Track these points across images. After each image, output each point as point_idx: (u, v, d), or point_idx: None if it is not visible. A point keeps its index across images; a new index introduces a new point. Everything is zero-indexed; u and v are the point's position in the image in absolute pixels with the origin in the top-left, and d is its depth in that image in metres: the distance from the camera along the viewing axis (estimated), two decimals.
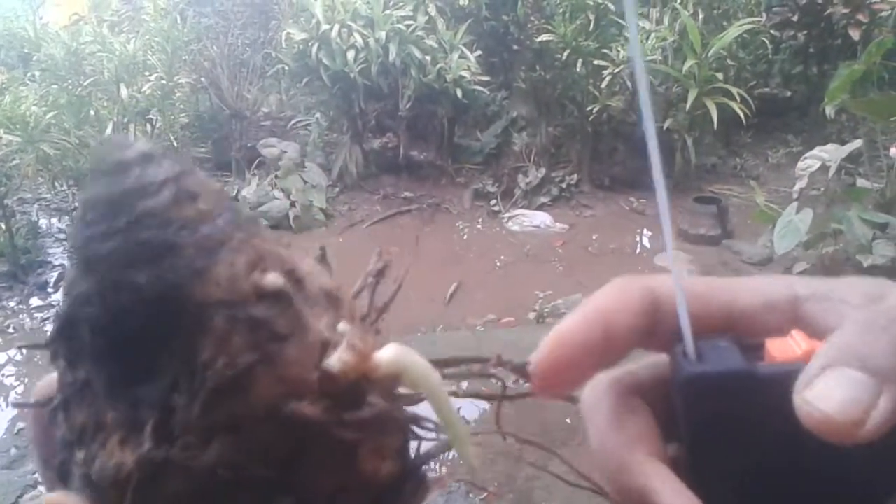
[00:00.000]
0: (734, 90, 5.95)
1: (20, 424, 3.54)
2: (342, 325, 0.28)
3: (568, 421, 3.28)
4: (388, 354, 0.28)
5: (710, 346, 0.32)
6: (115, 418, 0.27)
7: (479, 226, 6.28)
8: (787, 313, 0.33)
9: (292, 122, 7.47)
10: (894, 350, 0.29)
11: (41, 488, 2.95)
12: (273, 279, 0.27)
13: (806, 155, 4.95)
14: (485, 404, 3.46)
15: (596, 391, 0.35)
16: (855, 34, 5.80)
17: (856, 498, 0.31)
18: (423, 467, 0.31)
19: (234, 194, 6.33)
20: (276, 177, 6.43)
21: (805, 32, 6.72)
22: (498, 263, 5.53)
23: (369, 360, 0.28)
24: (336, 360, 0.27)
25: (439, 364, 0.31)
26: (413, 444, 0.31)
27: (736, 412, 0.31)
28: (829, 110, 4.76)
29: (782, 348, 0.31)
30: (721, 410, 0.31)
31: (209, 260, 0.27)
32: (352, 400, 0.27)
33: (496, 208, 6.44)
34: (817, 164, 4.81)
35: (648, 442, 0.33)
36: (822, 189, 5.10)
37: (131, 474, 0.26)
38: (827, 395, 0.29)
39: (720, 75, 6.08)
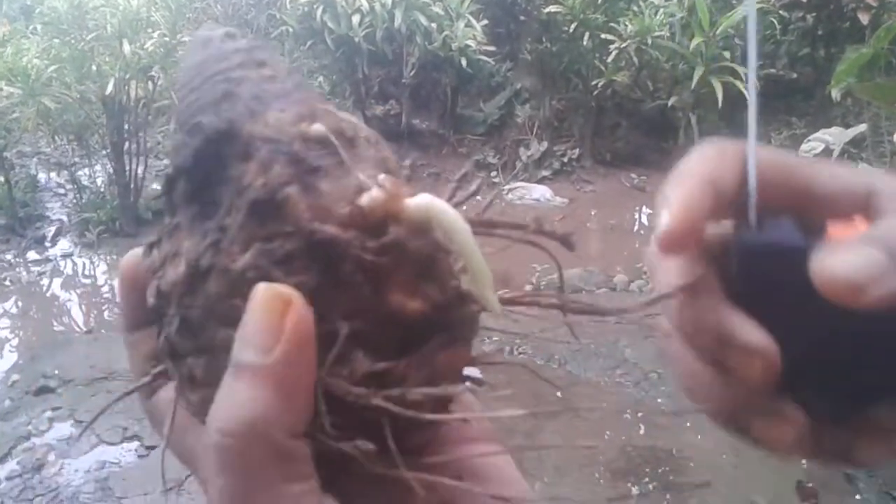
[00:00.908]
0: (740, 70, 5.92)
1: (14, 376, 3.56)
2: (383, 176, 0.31)
3: (559, 394, 3.30)
4: (417, 200, 0.30)
5: (773, 221, 0.34)
6: (188, 245, 0.31)
7: (478, 197, 6.26)
8: (861, 202, 0.35)
9: None
10: None
11: (34, 439, 2.97)
12: (318, 128, 0.31)
13: (809, 137, 4.93)
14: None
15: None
16: (864, 18, 5.76)
17: (886, 380, 0.34)
18: (461, 334, 0.33)
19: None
20: None
21: (814, 14, 6.67)
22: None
23: (399, 201, 0.30)
24: (367, 196, 0.30)
25: (474, 223, 0.32)
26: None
27: (785, 283, 0.33)
28: (835, 93, 4.73)
29: (843, 232, 0.34)
30: (772, 280, 0.33)
31: (263, 106, 0.32)
32: (377, 233, 0.30)
33: (497, 180, 6.43)
34: (820, 147, 4.79)
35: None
36: None
37: (181, 279, 0.31)
38: (842, 262, 0.31)
39: (727, 54, 6.04)
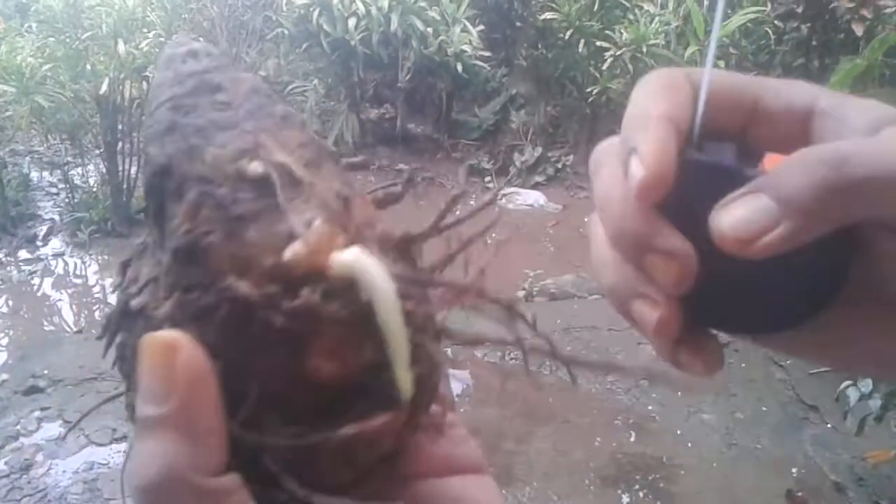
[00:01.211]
0: None
1: (3, 376, 3.54)
2: (317, 223, 0.29)
3: (550, 400, 3.30)
4: (344, 256, 0.28)
5: (715, 144, 0.36)
6: (145, 273, 0.31)
7: (472, 203, 6.24)
8: (802, 122, 0.36)
9: (289, 87, 7.41)
10: (811, 189, 0.31)
11: (22, 439, 2.95)
12: (255, 167, 0.30)
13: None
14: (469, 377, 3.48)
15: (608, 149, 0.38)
16: (858, 29, 5.78)
17: (784, 310, 0.36)
18: (393, 395, 0.30)
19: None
20: None
21: (808, 25, 6.69)
22: (489, 241, 5.52)
23: (323, 256, 0.28)
24: (290, 249, 0.28)
25: (408, 281, 0.31)
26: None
27: (710, 203, 0.34)
28: None
29: (777, 162, 0.34)
30: (699, 197, 0.34)
31: (205, 141, 0.30)
32: (297, 291, 0.28)
33: (490, 185, 6.43)
34: None
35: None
36: None
37: (113, 315, 0.31)
38: (733, 212, 0.33)
39: (721, 63, 6.06)
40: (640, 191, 0.34)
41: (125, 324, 0.31)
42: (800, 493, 2.85)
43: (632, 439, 3.20)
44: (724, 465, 3.05)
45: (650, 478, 2.97)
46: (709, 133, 0.36)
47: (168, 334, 0.27)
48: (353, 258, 0.28)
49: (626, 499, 2.86)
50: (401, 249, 0.33)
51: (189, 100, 0.32)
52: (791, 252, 0.32)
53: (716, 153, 0.36)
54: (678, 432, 3.24)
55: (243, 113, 0.32)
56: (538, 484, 2.80)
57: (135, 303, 0.30)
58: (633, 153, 0.34)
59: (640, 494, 2.89)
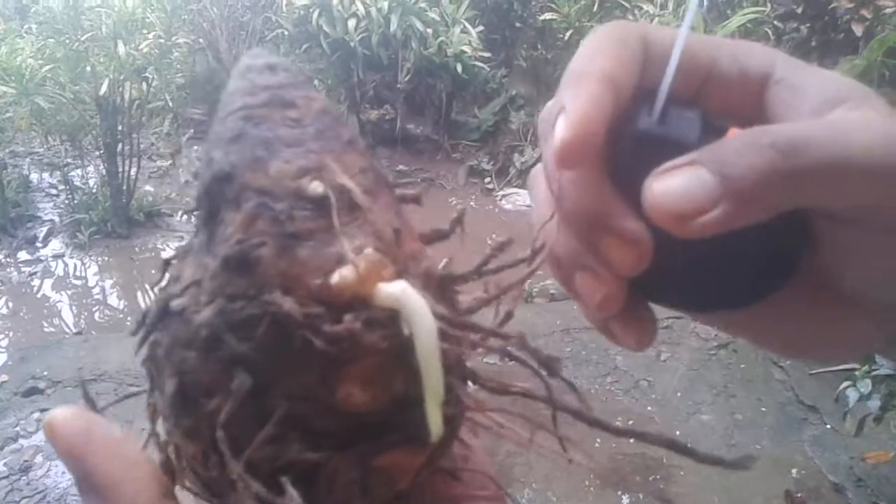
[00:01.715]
0: None
1: (3, 377, 3.54)
2: (368, 251, 0.29)
3: None
4: (389, 287, 0.29)
5: (680, 113, 0.33)
6: (188, 274, 0.31)
7: (472, 203, 6.28)
8: (757, 89, 0.35)
9: None
10: (756, 173, 0.30)
11: (22, 441, 2.95)
12: (315, 187, 0.30)
13: None
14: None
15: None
16: (858, 30, 5.78)
17: (729, 291, 0.35)
18: (416, 436, 0.30)
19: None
20: None
21: (808, 25, 6.69)
22: (489, 241, 5.52)
23: (371, 284, 0.29)
24: (338, 274, 0.28)
25: (451, 323, 0.30)
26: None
27: None
28: None
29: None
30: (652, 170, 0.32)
31: (270, 154, 0.31)
32: (341, 315, 0.28)
33: (490, 186, 6.43)
34: None
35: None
36: None
37: (151, 312, 0.31)
38: (667, 181, 0.31)
39: None
40: (560, 154, 0.32)
41: (162, 323, 0.31)
42: (799, 494, 2.85)
43: (631, 440, 3.19)
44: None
45: (650, 479, 2.97)
46: (674, 99, 0.33)
47: (51, 414, 0.30)
48: (400, 291, 0.28)
49: (625, 500, 2.86)
50: (441, 287, 0.33)
51: (261, 111, 0.32)
52: (740, 232, 0.31)
53: (678, 124, 0.33)
54: (677, 433, 3.24)
55: (311, 132, 0.32)
56: (538, 485, 2.80)
57: (175, 303, 0.30)
58: (561, 112, 0.32)
59: (640, 496, 2.89)
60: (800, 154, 0.29)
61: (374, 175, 0.33)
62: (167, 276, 0.33)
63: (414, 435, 0.30)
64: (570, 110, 0.32)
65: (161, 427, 0.32)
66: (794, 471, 3.00)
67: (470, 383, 0.35)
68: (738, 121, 0.34)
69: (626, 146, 0.33)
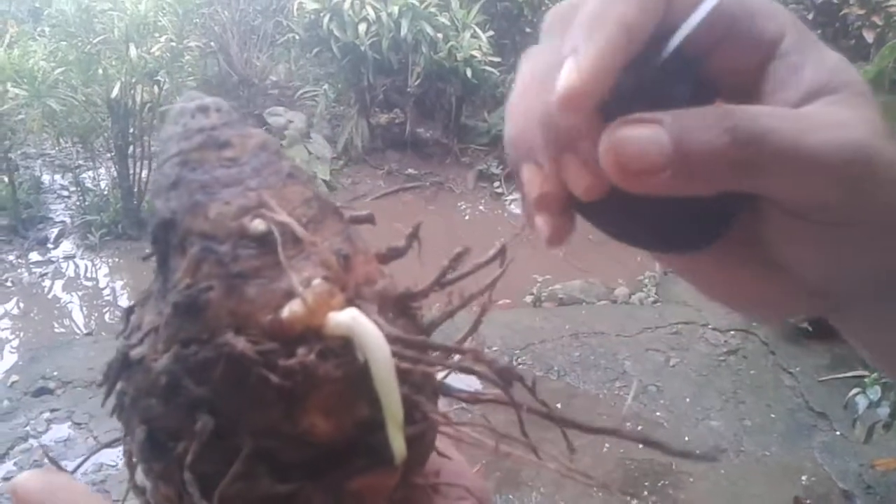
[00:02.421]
0: None
1: (14, 377, 3.55)
2: (316, 282, 0.29)
3: (558, 406, 3.30)
4: (340, 317, 0.29)
5: (678, 67, 0.33)
6: (147, 321, 0.32)
7: (481, 207, 6.28)
8: (764, 57, 0.34)
9: (300, 92, 7.44)
10: (709, 150, 0.30)
11: (32, 441, 2.97)
12: (256, 225, 0.30)
13: None
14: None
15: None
16: (869, 36, 5.77)
17: (669, 236, 0.36)
18: (383, 459, 0.30)
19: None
20: (282, 146, 6.40)
21: (819, 31, 6.67)
22: (498, 246, 5.52)
23: (320, 315, 0.29)
24: (288, 308, 0.29)
25: (404, 344, 0.30)
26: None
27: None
28: None
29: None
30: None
31: (209, 197, 0.31)
32: (294, 348, 0.29)
33: (499, 190, 6.43)
34: None
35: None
36: None
37: (114, 363, 0.32)
38: (630, 134, 0.31)
39: None
40: (563, 100, 0.31)
41: (125, 373, 0.32)
42: (808, 501, 2.84)
43: (640, 445, 3.18)
44: (732, 472, 3.04)
45: (658, 484, 2.96)
46: (682, 51, 0.33)
47: (12, 483, 0.31)
48: (349, 319, 0.29)
49: None
50: (400, 306, 0.34)
51: (196, 154, 0.32)
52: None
53: (673, 78, 0.33)
54: (686, 439, 3.23)
55: (249, 170, 0.32)
56: (546, 490, 2.80)
57: (135, 353, 0.31)
58: (573, 54, 0.31)
59: (649, 501, 2.89)
60: (755, 146, 0.30)
61: (318, 204, 0.33)
62: (129, 324, 0.34)
63: (382, 457, 0.30)
64: (582, 55, 0.31)
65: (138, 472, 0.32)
66: (803, 477, 2.99)
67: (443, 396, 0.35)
68: (740, 85, 0.34)
69: (618, 85, 0.32)
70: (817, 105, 0.32)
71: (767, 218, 0.34)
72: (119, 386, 0.32)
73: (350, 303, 0.30)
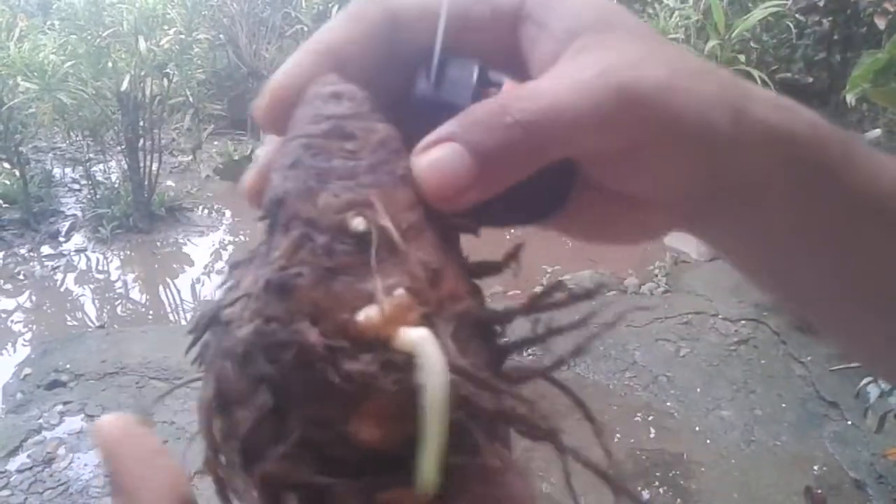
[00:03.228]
0: (755, 73, 5.89)
1: (26, 370, 3.58)
2: (399, 291, 0.30)
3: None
4: (410, 334, 0.29)
5: (455, 72, 0.35)
6: (245, 284, 0.33)
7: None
8: (509, 28, 0.35)
9: None
10: (506, 148, 0.31)
11: (45, 433, 2.99)
12: (357, 223, 0.31)
13: None
14: None
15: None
16: (881, 23, 5.72)
17: (520, 211, 0.39)
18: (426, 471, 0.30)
19: (248, 153, 6.32)
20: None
21: (830, 19, 6.63)
22: (507, 236, 5.52)
23: (391, 327, 0.29)
24: (364, 312, 0.29)
25: (471, 379, 0.30)
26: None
27: None
28: (850, 98, 4.69)
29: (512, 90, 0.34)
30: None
31: (321, 185, 0.32)
32: (360, 352, 0.29)
33: None
34: None
35: None
36: None
37: (205, 316, 0.33)
38: (433, 160, 0.32)
39: (742, 57, 6.01)
40: (258, 117, 0.34)
41: (213, 328, 0.33)
42: (819, 491, 2.84)
43: (651, 435, 3.20)
44: (743, 462, 3.04)
45: (669, 474, 2.97)
46: (455, 56, 0.35)
47: (104, 421, 0.31)
48: (418, 338, 0.29)
49: (645, 495, 2.86)
50: (480, 328, 0.33)
51: (319, 141, 0.33)
52: None
53: (453, 84, 0.35)
54: (697, 429, 3.23)
55: (365, 165, 0.33)
56: (556, 480, 2.81)
57: (225, 313, 0.32)
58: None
59: (660, 491, 2.89)
60: (538, 126, 0.31)
61: (423, 210, 0.33)
62: (230, 278, 0.34)
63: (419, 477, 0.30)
64: (272, 80, 0.34)
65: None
66: (814, 467, 2.99)
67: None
68: (511, 60, 0.35)
69: (408, 113, 0.34)
70: (564, 59, 0.33)
71: (597, 174, 0.36)
72: (205, 337, 0.33)
73: (426, 320, 0.30)
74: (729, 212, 0.37)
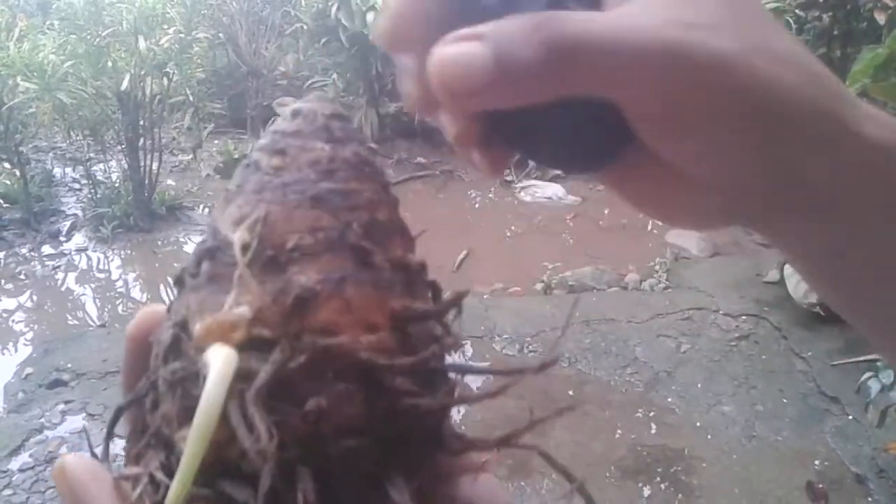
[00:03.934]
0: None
1: (28, 370, 3.58)
2: (241, 309, 0.30)
3: (570, 392, 3.30)
4: (213, 349, 0.29)
5: None
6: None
7: (491, 195, 6.28)
8: None
9: (309, 82, 7.44)
10: (528, 63, 0.30)
11: (47, 432, 2.99)
12: (239, 235, 0.31)
13: None
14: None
15: None
16: (881, 18, 5.72)
17: (569, 156, 0.37)
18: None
19: (249, 152, 6.32)
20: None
21: (830, 14, 6.62)
22: (508, 233, 5.53)
23: (209, 341, 0.29)
24: (200, 322, 0.30)
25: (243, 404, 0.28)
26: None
27: None
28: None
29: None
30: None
31: (234, 195, 0.33)
32: (173, 359, 0.32)
33: (509, 178, 6.42)
34: None
35: None
36: None
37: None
38: (452, 53, 0.31)
39: None
40: (385, 43, 0.34)
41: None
42: (820, 485, 2.84)
43: (652, 431, 3.20)
44: (744, 457, 3.04)
45: (670, 470, 2.97)
46: None
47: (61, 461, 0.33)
48: (212, 355, 0.28)
49: (646, 491, 2.86)
50: (356, 372, 0.30)
51: (256, 154, 0.34)
52: (569, 103, 0.31)
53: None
54: (698, 424, 3.24)
55: (279, 182, 0.32)
56: (557, 476, 2.80)
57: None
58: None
59: (661, 487, 2.89)
60: (568, 55, 0.30)
61: (330, 237, 0.31)
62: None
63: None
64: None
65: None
66: (815, 462, 2.99)
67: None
68: None
69: (474, 17, 0.32)
70: (634, 4, 0.32)
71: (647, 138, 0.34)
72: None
73: (260, 342, 0.29)
74: (805, 217, 0.35)
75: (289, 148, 0.34)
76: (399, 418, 0.30)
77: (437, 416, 0.32)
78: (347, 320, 0.30)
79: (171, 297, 0.35)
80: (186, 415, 0.29)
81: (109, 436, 0.35)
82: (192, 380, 0.29)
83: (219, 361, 0.28)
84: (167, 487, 0.29)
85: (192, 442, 0.27)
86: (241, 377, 0.28)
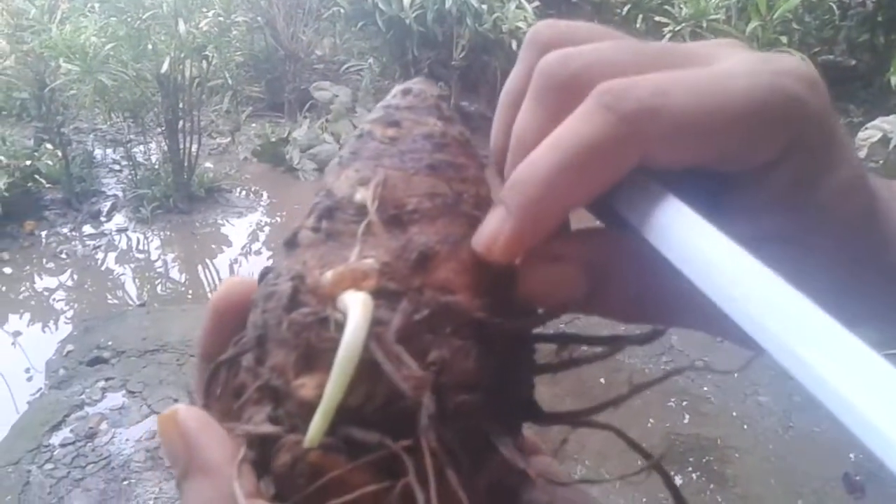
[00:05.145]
0: (798, 55, 5.79)
1: (69, 347, 3.65)
2: (367, 261, 0.31)
3: (602, 380, 3.29)
4: (347, 295, 0.30)
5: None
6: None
7: None
8: None
9: (345, 66, 7.45)
10: (524, 187, 0.30)
11: (87, 409, 3.04)
12: (360, 195, 0.34)
13: (867, 125, 4.82)
14: None
15: None
16: None
17: None
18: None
19: (286, 135, 6.35)
20: (327, 120, 6.45)
21: (874, 0, 6.48)
22: None
23: (340, 289, 0.30)
24: (329, 272, 0.31)
25: (386, 346, 0.29)
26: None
27: None
28: (894, 81, 4.60)
29: None
30: None
31: (350, 161, 0.35)
32: (303, 306, 0.32)
33: None
34: (878, 136, 4.69)
35: None
36: (882, 161, 4.98)
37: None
38: (483, 233, 0.32)
39: (784, 39, 5.91)
40: (486, 249, 0.31)
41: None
42: (857, 477, 2.81)
43: (686, 420, 3.18)
44: (780, 448, 3.01)
45: (704, 459, 2.95)
46: None
47: (171, 409, 0.32)
48: (349, 300, 0.29)
49: (679, 480, 2.85)
50: (466, 328, 0.31)
51: (368, 126, 0.37)
52: None
53: None
54: (734, 414, 3.21)
55: (395, 150, 0.35)
56: (591, 463, 2.81)
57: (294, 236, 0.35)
58: (504, 208, 0.31)
59: (694, 476, 2.88)
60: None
61: (447, 202, 0.33)
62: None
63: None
64: (511, 221, 0.31)
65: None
66: (851, 455, 2.96)
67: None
68: None
69: None
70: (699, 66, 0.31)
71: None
72: None
73: (387, 293, 0.30)
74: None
75: (403, 121, 0.36)
76: (503, 379, 0.32)
77: (530, 384, 0.35)
78: (463, 281, 0.32)
79: (274, 260, 0.36)
80: (306, 363, 0.30)
81: (209, 393, 0.35)
82: (317, 326, 0.30)
83: (358, 304, 0.29)
84: (273, 441, 0.30)
85: (335, 379, 0.28)
86: (374, 323, 0.29)
